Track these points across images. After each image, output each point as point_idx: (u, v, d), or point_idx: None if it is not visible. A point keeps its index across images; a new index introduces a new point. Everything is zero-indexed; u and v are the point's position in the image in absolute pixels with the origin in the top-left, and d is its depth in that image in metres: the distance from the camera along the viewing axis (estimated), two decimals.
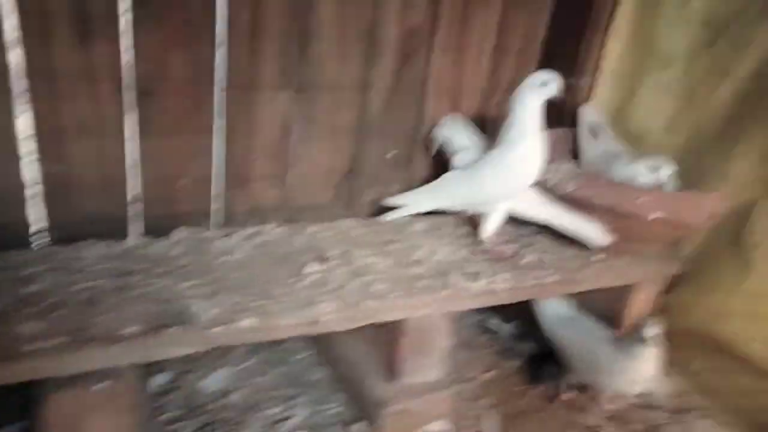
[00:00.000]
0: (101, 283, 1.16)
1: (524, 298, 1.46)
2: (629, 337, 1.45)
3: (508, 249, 1.55)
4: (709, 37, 1.65)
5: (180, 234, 1.40)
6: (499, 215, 1.53)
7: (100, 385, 1.01)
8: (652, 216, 1.42)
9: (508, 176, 1.45)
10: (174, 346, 1.06)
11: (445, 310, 1.36)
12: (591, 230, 1.48)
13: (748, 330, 1.52)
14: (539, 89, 1.39)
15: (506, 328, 1.94)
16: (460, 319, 1.97)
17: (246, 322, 1.11)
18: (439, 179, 1.58)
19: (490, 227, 1.53)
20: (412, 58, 1.72)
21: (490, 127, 1.97)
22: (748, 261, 1.52)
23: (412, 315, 1.32)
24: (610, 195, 1.44)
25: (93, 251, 1.27)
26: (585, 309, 1.72)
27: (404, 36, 1.67)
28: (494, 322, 1.95)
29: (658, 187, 1.50)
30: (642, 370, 1.43)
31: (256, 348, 1.67)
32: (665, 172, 1.53)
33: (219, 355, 1.62)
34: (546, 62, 1.95)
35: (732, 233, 1.57)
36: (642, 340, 1.40)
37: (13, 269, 1.17)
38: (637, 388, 1.48)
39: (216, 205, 1.60)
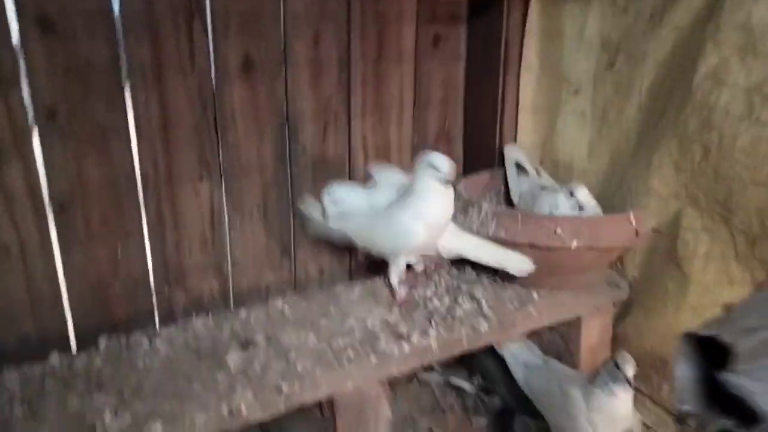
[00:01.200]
0: (13, 412, 1.14)
1: (461, 351, 1.42)
2: (602, 378, 1.37)
3: (404, 291, 1.54)
4: (608, 58, 1.67)
5: (104, 343, 1.39)
6: (399, 264, 1.51)
7: None
8: (573, 244, 1.39)
9: (395, 235, 1.43)
10: None
11: (375, 378, 1.32)
12: (513, 259, 1.44)
13: None
14: (428, 170, 1.38)
15: (471, 385, 1.88)
16: (424, 382, 1.92)
17: (154, 429, 1.08)
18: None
19: (393, 272, 1.51)
20: (330, 126, 1.76)
21: None
22: (687, 274, 1.48)
23: (341, 390, 1.28)
24: (529, 231, 1.42)
25: (12, 378, 1.26)
26: (541, 349, 1.68)
27: (319, 107, 1.71)
28: (459, 380, 1.89)
29: (576, 216, 1.48)
30: (623, 416, 1.36)
31: None
32: (581, 194, 1.51)
33: None
34: (469, 107, 1.99)
35: (668, 249, 1.54)
36: (616, 379, 1.33)
37: None
38: (617, 429, 1.40)
39: (155, 303, 1.60)
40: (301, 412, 1.50)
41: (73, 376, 1.26)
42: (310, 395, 1.24)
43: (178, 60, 1.46)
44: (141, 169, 1.48)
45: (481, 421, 1.72)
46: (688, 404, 0.40)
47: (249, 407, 1.17)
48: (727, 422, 0.35)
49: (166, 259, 1.59)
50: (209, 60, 1.51)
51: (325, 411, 1.38)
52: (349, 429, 1.33)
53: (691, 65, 1.42)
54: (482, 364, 1.87)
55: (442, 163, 1.35)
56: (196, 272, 1.65)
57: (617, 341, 1.67)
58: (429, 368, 1.95)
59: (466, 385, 1.86)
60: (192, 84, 1.50)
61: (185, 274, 1.63)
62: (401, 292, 1.52)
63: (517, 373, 1.62)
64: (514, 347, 1.66)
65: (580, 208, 1.51)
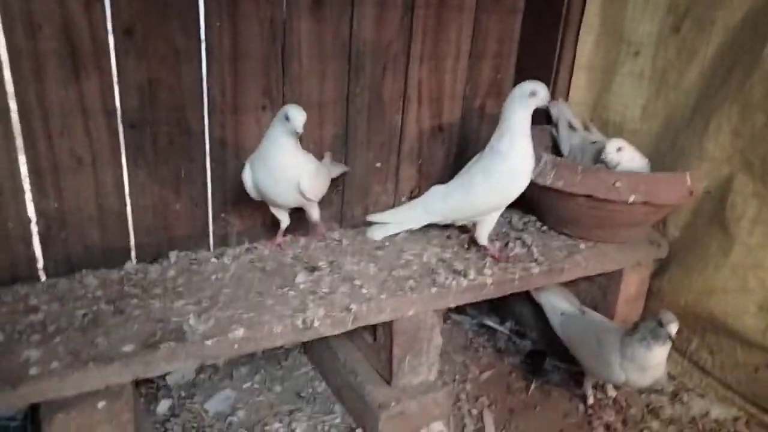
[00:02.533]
0: (99, 309, 1.21)
1: (512, 291, 1.49)
2: (641, 332, 1.41)
3: (503, 251, 1.57)
4: (674, 22, 1.69)
5: (173, 257, 1.44)
6: (493, 221, 1.54)
7: (101, 404, 1.04)
8: (630, 199, 1.44)
9: (501, 187, 1.46)
10: (169, 361, 1.09)
11: (434, 308, 1.39)
12: None
13: (738, 304, 1.53)
14: (528, 99, 1.40)
15: (504, 327, 1.96)
16: (457, 323, 2.00)
17: (237, 333, 1.15)
18: (426, 194, 1.59)
19: (484, 233, 1.54)
20: (389, 69, 1.78)
21: (471, 132, 2.02)
22: (732, 235, 1.54)
23: (402, 315, 1.35)
24: (588, 183, 1.47)
25: (91, 280, 1.32)
26: (579, 298, 1.75)
27: (380, 49, 1.73)
28: (492, 322, 1.98)
29: (635, 172, 1.53)
30: (654, 366, 1.42)
31: (257, 367, 1.70)
32: (628, 152, 1.55)
33: (222, 377, 1.66)
34: (523, 62, 2.01)
35: (714, 211, 1.59)
36: (657, 336, 1.37)
37: (17, 301, 1.22)
38: (648, 382, 1.46)
39: (212, 227, 1.65)
40: (349, 334, 1.59)
41: (150, 284, 1.32)
42: (375, 317, 1.31)
43: None
44: (208, 94, 1.51)
45: (513, 360, 1.80)
46: None
47: (321, 323, 1.23)
48: None
49: (225, 186, 1.63)
50: None
51: (378, 335, 1.45)
52: (404, 352, 1.41)
53: (763, 33, 1.44)
54: (515, 309, 1.95)
55: (539, 88, 1.39)
56: (251, 201, 1.69)
57: (652, 296, 1.75)
58: (461, 311, 2.03)
59: (499, 327, 1.94)
60: (264, 14, 1.51)
61: (241, 202, 1.68)
62: (496, 248, 1.57)
63: (554, 319, 1.69)
64: (552, 296, 1.73)
65: (632, 165, 1.55)
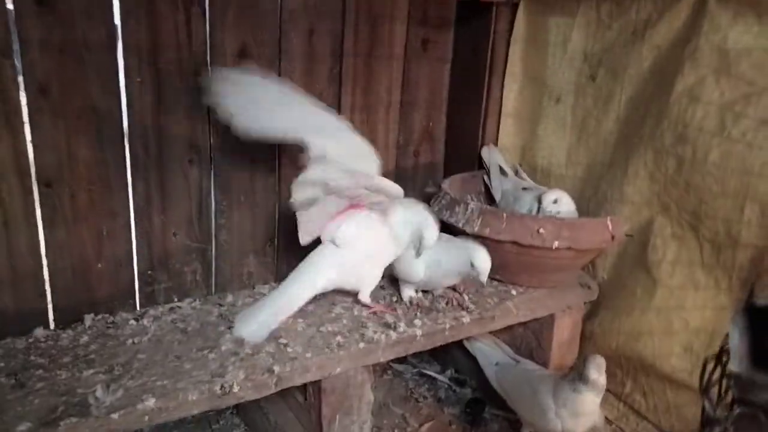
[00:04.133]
0: (1, 383, 1.13)
1: (443, 342, 1.47)
2: (571, 377, 1.43)
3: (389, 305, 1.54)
4: (590, 70, 1.76)
5: (88, 321, 1.38)
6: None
7: None
8: (554, 245, 1.47)
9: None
10: None
11: (363, 363, 1.36)
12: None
13: (664, 346, 1.55)
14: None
15: (444, 376, 1.94)
16: (398, 373, 1.97)
17: (148, 404, 1.09)
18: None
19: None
20: None
21: (406, 179, 2.04)
22: (655, 278, 1.58)
23: (329, 374, 1.31)
24: (513, 230, 1.49)
25: None
26: (509, 346, 1.75)
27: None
28: (432, 371, 1.95)
29: (558, 218, 1.56)
30: (588, 412, 1.42)
31: (186, 431, 1.62)
32: (565, 202, 1.59)
33: None
34: (453, 110, 2.06)
35: (638, 254, 1.63)
36: (583, 379, 1.39)
37: None
38: (583, 429, 1.46)
39: (138, 285, 1.59)
40: (281, 394, 1.53)
41: (59, 352, 1.25)
42: (300, 377, 1.27)
43: (175, 43, 1.46)
44: (131, 151, 1.48)
45: (453, 411, 1.78)
46: (743, 369, 0.45)
47: (241, 387, 1.19)
48: None
49: (151, 242, 1.59)
50: (205, 45, 1.52)
51: (308, 394, 1.40)
52: (333, 411, 1.37)
53: (669, 82, 1.52)
54: (454, 356, 1.93)
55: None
56: (180, 255, 1.65)
57: (586, 339, 1.76)
58: (402, 360, 2.00)
59: (439, 376, 1.92)
60: (187, 68, 1.50)
61: (169, 257, 1.63)
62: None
63: (488, 370, 1.68)
64: (484, 346, 1.73)
65: (561, 214, 1.58)
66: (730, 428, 0.63)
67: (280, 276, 1.80)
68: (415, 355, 2.00)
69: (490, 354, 1.70)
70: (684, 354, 1.52)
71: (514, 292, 1.63)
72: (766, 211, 1.36)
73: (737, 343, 0.51)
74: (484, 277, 1.37)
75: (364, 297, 1.47)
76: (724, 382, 0.57)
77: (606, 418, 1.70)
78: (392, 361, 1.98)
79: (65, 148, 1.38)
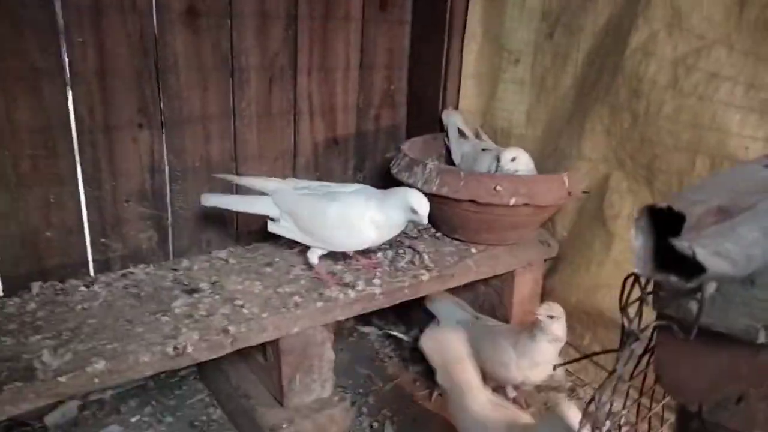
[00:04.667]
0: None
1: (402, 299, 1.48)
2: (528, 329, 1.46)
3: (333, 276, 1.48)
4: (548, 28, 1.76)
5: (36, 289, 1.34)
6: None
7: None
8: (511, 201, 1.47)
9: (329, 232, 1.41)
10: (14, 403, 1.00)
11: (321, 322, 1.35)
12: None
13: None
14: (407, 212, 1.37)
15: (408, 336, 1.95)
16: (363, 335, 1.97)
17: (97, 366, 1.07)
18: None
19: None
20: (276, 82, 1.75)
21: (367, 143, 2.02)
22: (612, 232, 1.60)
23: (286, 333, 1.30)
24: (470, 188, 1.49)
25: None
26: (472, 304, 1.77)
27: (265, 61, 1.69)
28: (396, 332, 1.96)
29: (514, 175, 1.56)
30: (546, 360, 1.45)
31: (147, 398, 1.61)
32: (523, 160, 1.60)
33: (108, 412, 1.55)
34: (413, 72, 2.03)
35: (595, 209, 1.65)
36: (542, 330, 1.41)
37: None
38: (543, 377, 1.50)
39: (91, 253, 1.55)
40: (243, 356, 1.52)
41: (4, 319, 1.21)
42: (256, 337, 1.26)
43: (117, 1, 1.40)
44: (75, 114, 1.42)
45: (418, 369, 1.79)
46: (644, 270, 0.46)
47: (195, 347, 1.17)
48: (674, 278, 0.41)
49: (102, 209, 1.54)
50: (151, 4, 1.47)
51: (268, 355, 1.39)
52: (293, 371, 1.36)
53: (623, 38, 1.52)
54: (420, 317, 1.94)
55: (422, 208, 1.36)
56: (134, 222, 1.61)
57: (546, 295, 1.79)
58: (368, 322, 2.01)
59: (404, 337, 1.93)
60: (132, 28, 1.45)
61: (123, 224, 1.59)
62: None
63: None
64: (444, 305, 1.74)
65: (520, 172, 1.59)
66: (646, 341, 0.65)
67: (241, 242, 1.78)
68: (380, 317, 2.01)
69: (450, 312, 1.71)
70: None
71: (474, 251, 1.64)
72: (716, 164, 1.39)
73: (641, 245, 0.52)
74: (424, 219, 1.36)
75: (313, 258, 1.46)
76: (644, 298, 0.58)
77: (566, 370, 1.74)
78: (357, 323, 1.99)
79: (4, 111, 1.32)
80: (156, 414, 1.56)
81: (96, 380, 1.07)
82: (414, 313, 1.97)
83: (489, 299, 1.79)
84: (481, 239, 1.65)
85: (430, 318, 1.87)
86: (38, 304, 1.27)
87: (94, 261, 1.57)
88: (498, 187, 1.47)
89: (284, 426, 1.36)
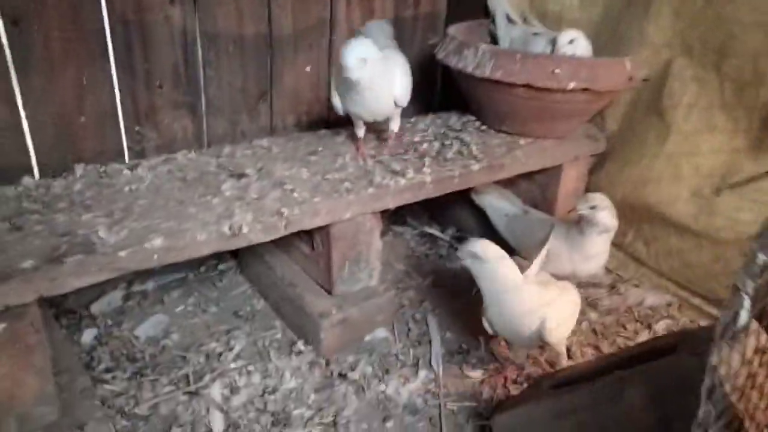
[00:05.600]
0: None
1: (452, 189, 1.43)
2: (578, 225, 1.42)
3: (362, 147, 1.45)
4: None
5: (80, 170, 1.29)
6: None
7: (1, 326, 0.93)
8: (570, 86, 1.39)
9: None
10: (78, 275, 0.98)
11: (372, 209, 1.32)
12: None
13: (671, 191, 1.54)
14: None
15: (446, 234, 1.93)
16: (400, 233, 1.95)
17: (155, 243, 1.04)
18: None
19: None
20: None
21: (407, 29, 1.91)
22: (668, 123, 1.53)
23: (338, 218, 1.27)
24: (526, 70, 1.40)
25: None
26: (519, 198, 1.73)
27: None
28: (433, 230, 1.94)
29: (574, 57, 1.47)
30: (597, 253, 1.42)
31: (190, 290, 1.61)
32: (581, 44, 1.50)
33: (152, 302, 1.55)
34: None
35: (652, 100, 1.57)
36: (589, 223, 1.38)
37: None
38: (594, 269, 1.47)
39: (125, 140, 1.50)
40: (285, 248, 1.51)
41: (53, 198, 1.17)
42: (309, 221, 1.22)
43: None
44: None
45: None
46: None
47: (250, 228, 1.14)
48: None
49: (135, 95, 1.48)
50: None
51: (316, 244, 1.37)
52: (343, 259, 1.34)
53: None
54: (455, 215, 1.91)
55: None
56: (168, 110, 1.54)
57: (590, 192, 1.74)
58: (403, 222, 1.98)
59: (440, 234, 1.91)
60: None
61: (157, 113, 1.53)
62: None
63: (498, 222, 1.66)
64: (494, 198, 1.70)
65: (577, 55, 1.49)
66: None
67: (275, 134, 1.72)
68: (414, 216, 1.99)
69: (499, 205, 1.67)
70: (691, 199, 1.51)
71: (522, 142, 1.58)
72: None
73: None
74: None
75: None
76: None
77: (606, 267, 1.73)
78: (392, 223, 1.96)
79: None
80: (200, 304, 1.56)
81: (155, 257, 1.05)
82: (448, 213, 1.94)
83: (531, 195, 1.74)
84: (529, 131, 1.58)
85: (469, 215, 1.85)
86: (84, 186, 1.23)
87: (129, 150, 1.52)
88: (557, 70, 1.39)
89: (333, 312, 1.36)
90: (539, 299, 1.21)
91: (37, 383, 1.00)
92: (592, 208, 1.38)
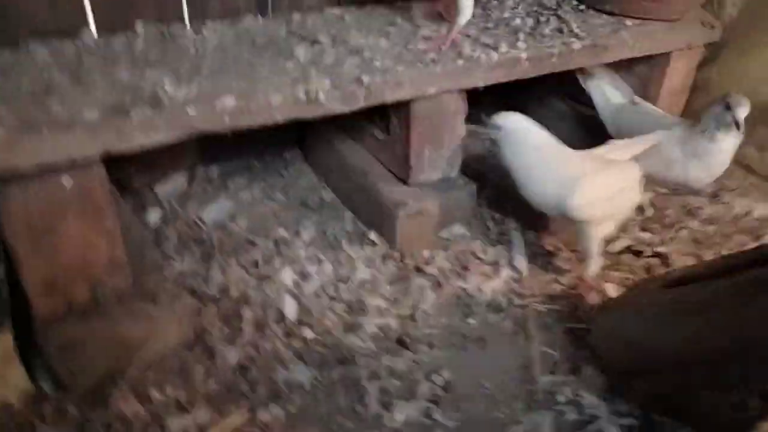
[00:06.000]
0: (53, 78, 0.97)
1: (550, 70, 1.26)
2: (703, 123, 1.21)
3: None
4: None
5: (140, 28, 1.18)
6: None
7: (66, 179, 0.85)
8: None
9: None
10: (144, 130, 0.88)
11: (460, 85, 1.17)
12: None
13: None
14: None
15: None
16: (473, 132, 1.79)
17: (226, 102, 0.93)
18: None
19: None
20: None
21: None
22: None
23: (422, 93, 1.13)
24: None
25: (41, 51, 1.06)
26: None
27: None
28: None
29: None
30: (720, 162, 1.22)
31: (255, 177, 1.52)
32: None
33: (216, 187, 1.48)
34: None
35: None
36: (722, 123, 1.17)
37: None
38: (711, 178, 1.28)
39: (185, 8, 1.37)
40: (355, 135, 1.39)
41: (114, 54, 1.07)
42: (391, 92, 1.09)
43: None
44: None
45: None
46: None
47: (327, 96, 1.02)
48: None
49: None
50: None
51: (392, 127, 1.24)
52: (423, 143, 1.22)
53: None
54: (534, 116, 1.73)
55: None
56: None
57: (698, 89, 1.54)
58: (476, 120, 1.82)
59: None
60: None
61: None
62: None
63: (605, 111, 1.45)
64: (603, 83, 1.46)
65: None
66: None
67: (343, 4, 1.54)
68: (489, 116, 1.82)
69: (610, 93, 1.45)
70: None
71: (628, 23, 1.38)
72: None
73: None
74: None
75: None
76: None
77: None
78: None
79: None
80: (265, 192, 1.48)
81: (226, 118, 0.94)
82: (528, 111, 1.76)
83: (631, 89, 1.54)
84: (638, 9, 1.37)
85: (550, 113, 1.67)
86: (146, 44, 1.13)
87: (189, 16, 1.39)
88: None
89: (409, 203, 1.24)
90: (573, 168, 1.11)
91: (109, 248, 0.94)
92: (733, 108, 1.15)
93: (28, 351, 0.93)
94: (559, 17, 1.36)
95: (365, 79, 1.05)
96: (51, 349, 0.90)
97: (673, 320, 0.88)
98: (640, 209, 1.46)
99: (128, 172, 1.39)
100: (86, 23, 1.22)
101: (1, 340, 0.87)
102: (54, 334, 0.91)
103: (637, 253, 1.33)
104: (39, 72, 0.99)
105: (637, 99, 1.45)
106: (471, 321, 1.14)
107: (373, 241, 1.29)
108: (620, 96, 1.45)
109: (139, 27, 1.17)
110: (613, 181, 1.14)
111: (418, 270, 1.24)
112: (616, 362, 1.02)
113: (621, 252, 1.35)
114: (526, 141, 1.15)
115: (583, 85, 1.48)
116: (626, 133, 1.35)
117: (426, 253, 1.28)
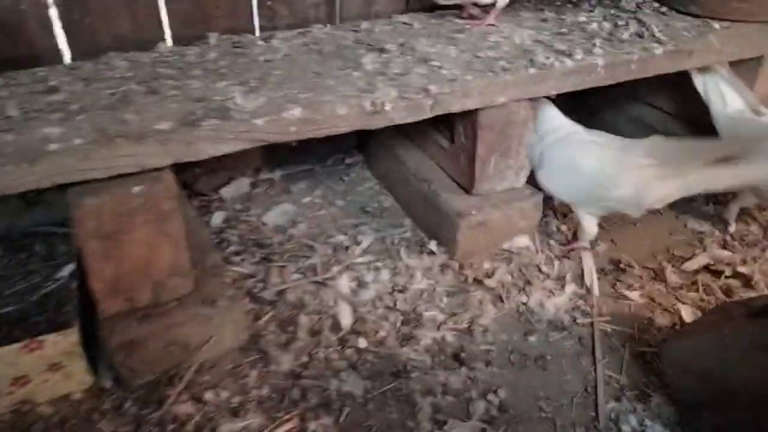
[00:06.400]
0: (129, 89, 1.01)
1: (627, 78, 1.20)
2: None
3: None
4: None
5: (213, 39, 1.21)
6: None
7: (137, 188, 0.88)
8: None
9: None
10: (213, 142, 0.90)
11: (531, 94, 1.13)
12: None
13: None
14: None
15: None
16: None
17: (293, 113, 0.94)
18: None
19: None
20: None
21: None
22: None
23: (491, 102, 1.10)
24: None
25: (120, 62, 1.11)
26: (678, 105, 1.44)
27: None
28: None
29: None
30: None
31: (316, 182, 1.53)
32: None
33: (278, 191, 1.50)
34: None
35: None
36: None
37: (36, 82, 1.03)
38: None
39: (257, 19, 1.40)
40: (418, 142, 1.37)
41: (187, 65, 1.10)
42: (459, 102, 1.06)
43: None
44: None
45: None
46: None
47: (393, 106, 1.00)
48: None
49: None
50: None
51: (457, 135, 1.21)
52: (489, 152, 1.18)
53: None
54: (607, 121, 1.66)
55: None
56: None
57: None
58: None
59: None
60: None
61: None
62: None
63: (720, 119, 1.27)
64: (721, 81, 1.27)
65: None
66: None
67: (411, 6, 1.53)
68: None
69: (725, 95, 1.27)
70: None
71: (716, 26, 1.29)
72: None
73: None
74: None
75: None
76: None
77: None
78: None
79: None
80: (326, 197, 1.49)
81: (292, 129, 0.95)
82: (597, 119, 1.68)
83: None
84: (727, 10, 1.28)
85: (624, 118, 1.59)
86: (218, 55, 1.15)
87: (261, 28, 1.42)
88: None
89: (472, 213, 1.22)
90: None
91: (173, 253, 0.96)
92: None
93: (92, 347, 0.98)
94: (638, 20, 1.29)
95: (432, 89, 1.03)
96: (113, 347, 0.94)
97: (755, 356, 0.82)
98: (724, 224, 1.37)
99: (195, 175, 1.44)
100: (163, 36, 1.26)
101: (68, 335, 0.91)
102: (116, 333, 0.94)
103: (716, 273, 1.25)
104: (117, 83, 1.02)
105: (762, 108, 1.26)
106: (531, 339, 1.11)
107: (432, 251, 1.27)
108: (741, 102, 1.27)
109: (213, 38, 1.20)
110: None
111: (478, 282, 1.22)
112: (686, 391, 0.96)
113: (698, 271, 1.27)
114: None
115: (695, 84, 1.31)
116: (743, 146, 1.15)
117: (487, 265, 1.25)
